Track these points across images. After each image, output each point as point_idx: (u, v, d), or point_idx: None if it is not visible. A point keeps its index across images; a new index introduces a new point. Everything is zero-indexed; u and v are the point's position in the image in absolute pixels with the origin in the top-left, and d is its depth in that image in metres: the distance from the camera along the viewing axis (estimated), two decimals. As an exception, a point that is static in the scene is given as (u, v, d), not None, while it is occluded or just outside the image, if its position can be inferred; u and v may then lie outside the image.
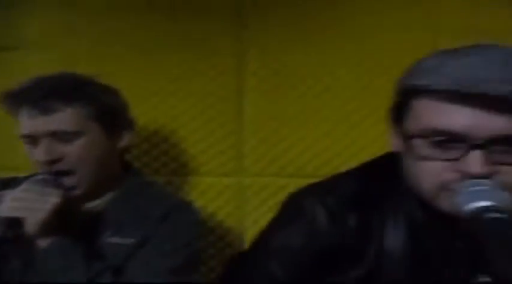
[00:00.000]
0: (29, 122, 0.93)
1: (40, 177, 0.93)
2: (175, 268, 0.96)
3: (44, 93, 0.93)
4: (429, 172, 0.61)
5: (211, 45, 1.43)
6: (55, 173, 0.94)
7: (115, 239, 0.97)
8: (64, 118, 0.94)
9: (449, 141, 0.59)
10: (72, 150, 0.95)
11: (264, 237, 0.82)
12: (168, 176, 1.47)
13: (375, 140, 1.33)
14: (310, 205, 0.73)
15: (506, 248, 0.50)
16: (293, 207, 0.77)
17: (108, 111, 1.01)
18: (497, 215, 0.53)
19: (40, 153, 0.93)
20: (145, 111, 1.47)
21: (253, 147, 1.42)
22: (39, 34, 1.53)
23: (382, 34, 1.34)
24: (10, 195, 0.87)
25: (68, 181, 0.95)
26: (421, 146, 0.61)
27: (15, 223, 0.82)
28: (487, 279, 0.66)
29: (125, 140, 1.07)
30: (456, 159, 0.58)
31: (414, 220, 0.69)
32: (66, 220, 0.95)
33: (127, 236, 0.97)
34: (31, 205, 0.85)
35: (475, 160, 0.57)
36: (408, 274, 0.68)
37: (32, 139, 0.95)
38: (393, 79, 0.68)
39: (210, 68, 1.44)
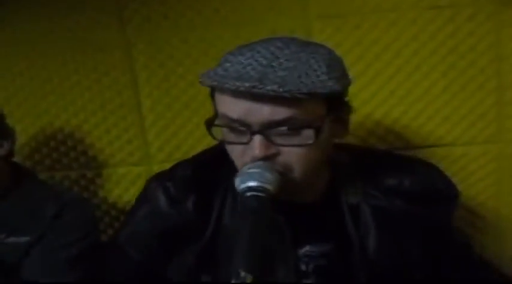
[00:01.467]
0: None
1: None
2: (71, 258, 1.05)
3: None
4: (234, 155, 0.71)
5: (98, 40, 1.41)
6: None
7: (11, 239, 1.06)
8: None
9: (240, 127, 0.67)
10: None
11: (122, 222, 0.92)
12: (80, 170, 1.53)
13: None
14: (153, 190, 0.84)
15: (258, 225, 0.60)
16: (141, 193, 0.88)
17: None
18: (257, 193, 0.63)
19: None
20: (46, 109, 1.49)
21: (156, 136, 1.47)
22: None
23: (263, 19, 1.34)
24: None
25: None
26: (225, 132, 0.70)
27: None
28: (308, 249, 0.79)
29: (6, 148, 1.12)
30: (247, 143, 0.66)
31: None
32: None
33: (22, 235, 1.06)
34: None
35: (255, 144, 0.65)
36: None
37: None
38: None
39: (100, 63, 1.43)
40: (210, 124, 0.70)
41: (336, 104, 0.71)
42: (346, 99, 0.76)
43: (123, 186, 1.53)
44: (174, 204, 0.81)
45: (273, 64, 0.64)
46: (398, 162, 0.88)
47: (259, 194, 0.62)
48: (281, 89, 0.61)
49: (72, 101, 1.48)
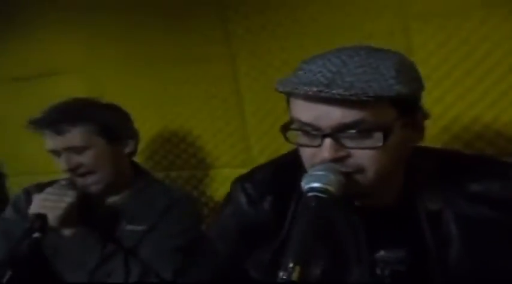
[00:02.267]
0: (50, 141, 1.19)
1: (63, 182, 1.18)
2: (178, 248, 1.18)
3: (56, 119, 1.17)
4: (305, 157, 0.74)
5: (205, 53, 1.55)
6: (79, 175, 1.18)
7: (130, 227, 1.22)
8: (73, 136, 1.17)
9: (312, 131, 0.69)
10: (84, 160, 1.19)
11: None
12: (191, 170, 1.69)
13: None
14: (235, 191, 0.91)
15: (314, 223, 0.62)
16: (228, 193, 0.96)
17: (108, 126, 1.23)
18: (318, 194, 0.65)
19: (62, 163, 1.19)
20: (163, 115, 1.68)
21: (257, 140, 1.57)
22: (67, 60, 1.78)
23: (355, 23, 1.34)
24: (38, 196, 1.13)
25: (89, 180, 1.20)
26: (299, 136, 0.73)
27: (40, 218, 1.06)
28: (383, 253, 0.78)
29: (130, 147, 1.30)
30: (319, 146, 0.69)
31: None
32: (91, 213, 1.22)
33: (139, 224, 1.22)
34: (51, 204, 1.10)
35: (325, 147, 0.67)
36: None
37: (55, 153, 1.20)
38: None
39: (207, 73, 1.57)
40: (285, 128, 0.74)
41: (407, 108, 0.70)
42: (420, 104, 0.75)
43: (227, 186, 1.64)
44: (252, 204, 0.87)
45: (342, 70, 0.66)
46: (487, 167, 0.81)
47: (320, 195, 0.65)
48: (347, 93, 0.63)
49: (183, 109, 1.65)
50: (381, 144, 0.66)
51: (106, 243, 1.14)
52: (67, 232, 1.11)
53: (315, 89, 0.64)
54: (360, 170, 0.69)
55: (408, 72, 0.70)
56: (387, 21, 1.31)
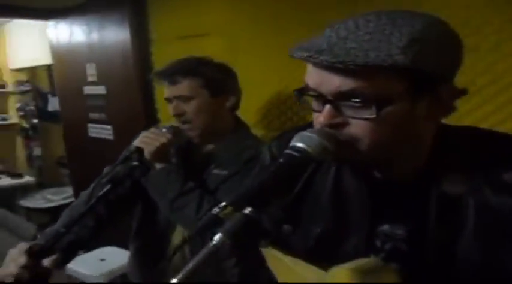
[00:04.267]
0: (166, 90, 1.42)
1: (167, 126, 1.40)
2: None
3: (172, 71, 1.40)
4: (314, 121, 0.74)
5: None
6: (183, 121, 1.39)
7: (215, 171, 1.39)
8: (183, 87, 1.38)
9: (317, 96, 0.70)
10: (189, 108, 1.38)
11: None
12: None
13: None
14: (263, 152, 0.97)
15: (273, 177, 0.65)
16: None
17: (213, 81, 1.40)
18: (292, 152, 0.67)
19: (171, 109, 1.41)
20: (282, 78, 1.79)
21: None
22: (214, 23, 2.05)
23: None
24: (142, 133, 1.35)
25: (187, 127, 1.40)
26: (313, 100, 0.74)
27: (138, 150, 1.31)
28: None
29: (231, 101, 1.45)
30: (320, 112, 0.69)
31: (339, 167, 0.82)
32: (191, 156, 1.44)
33: (223, 169, 1.38)
34: (148, 141, 1.33)
35: (324, 113, 0.68)
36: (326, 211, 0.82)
37: (168, 101, 1.43)
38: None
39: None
40: (300, 91, 0.74)
41: (422, 82, 0.64)
42: (448, 79, 0.66)
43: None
44: (272, 161, 0.92)
45: (349, 36, 0.63)
46: None
47: (293, 153, 0.66)
48: (333, 60, 0.61)
49: (301, 74, 1.71)
50: (374, 115, 0.64)
51: (187, 181, 1.34)
52: (158, 165, 1.35)
53: (305, 54, 0.65)
54: (355, 139, 0.68)
55: (432, 43, 0.63)
56: None
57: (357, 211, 0.78)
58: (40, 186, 4.44)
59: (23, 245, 1.10)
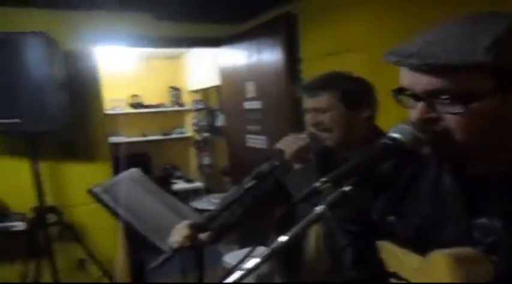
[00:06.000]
0: (305, 101, 1.56)
1: (305, 133, 1.53)
2: None
3: (312, 85, 1.57)
4: (411, 117, 0.79)
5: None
6: (318, 130, 1.52)
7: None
8: (321, 99, 1.52)
9: (411, 94, 0.77)
10: (324, 119, 1.52)
11: None
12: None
13: None
14: None
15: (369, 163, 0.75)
16: None
17: (349, 94, 1.51)
18: (387, 141, 0.75)
19: (308, 119, 1.54)
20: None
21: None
22: (359, 39, 2.17)
23: None
24: (285, 137, 1.52)
25: (325, 136, 1.52)
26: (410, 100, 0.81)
27: (280, 152, 1.47)
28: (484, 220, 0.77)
29: (367, 113, 1.54)
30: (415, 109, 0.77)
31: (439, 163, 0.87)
32: (330, 162, 1.57)
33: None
34: (289, 143, 1.48)
35: (417, 109, 0.75)
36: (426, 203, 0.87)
37: (306, 111, 1.56)
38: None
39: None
40: (397, 92, 0.82)
41: (510, 79, 0.67)
42: None
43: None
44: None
45: (435, 40, 0.71)
46: None
47: (388, 142, 0.75)
48: (420, 62, 0.70)
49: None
50: (462, 110, 0.71)
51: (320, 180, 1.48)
52: (296, 165, 1.51)
53: (395, 59, 0.75)
54: (450, 132, 0.74)
55: None
56: None
57: (454, 204, 0.81)
58: (207, 191, 5.09)
59: (186, 222, 1.41)
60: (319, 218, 0.71)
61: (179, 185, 5.08)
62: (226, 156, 3.96)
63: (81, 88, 2.99)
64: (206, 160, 5.35)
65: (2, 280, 2.88)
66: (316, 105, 1.52)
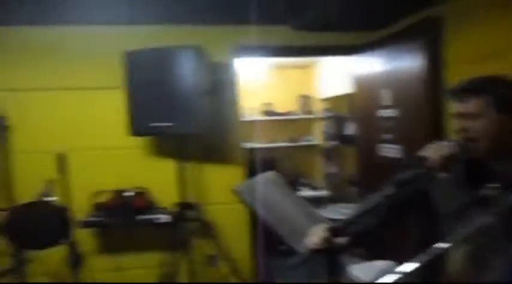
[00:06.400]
0: (453, 106, 1.47)
1: (453, 140, 1.44)
2: None
3: (461, 89, 1.46)
4: None
5: None
6: (465, 138, 1.42)
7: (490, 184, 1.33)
8: (470, 105, 1.42)
9: None
10: (473, 125, 1.41)
11: None
12: None
13: None
14: None
15: None
16: None
17: (503, 100, 1.38)
18: None
19: (455, 125, 1.45)
20: None
21: None
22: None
23: None
24: (429, 145, 1.43)
25: (472, 145, 1.41)
26: None
27: (422, 158, 1.36)
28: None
29: None
30: None
31: None
32: (480, 173, 1.43)
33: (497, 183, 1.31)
34: (433, 151, 1.39)
35: None
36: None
37: (454, 116, 1.47)
38: None
39: None
40: None
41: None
42: None
43: None
44: None
45: None
46: None
47: None
48: None
49: None
50: None
51: (468, 193, 1.39)
52: (438, 174, 1.42)
53: None
54: None
55: None
56: None
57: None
58: (331, 200, 5.05)
59: (323, 225, 1.42)
60: (490, 223, 0.68)
61: (304, 192, 5.13)
62: (354, 165, 3.88)
63: (222, 97, 3.25)
64: (333, 169, 5.32)
65: (142, 267, 3.21)
66: (465, 110, 1.42)
